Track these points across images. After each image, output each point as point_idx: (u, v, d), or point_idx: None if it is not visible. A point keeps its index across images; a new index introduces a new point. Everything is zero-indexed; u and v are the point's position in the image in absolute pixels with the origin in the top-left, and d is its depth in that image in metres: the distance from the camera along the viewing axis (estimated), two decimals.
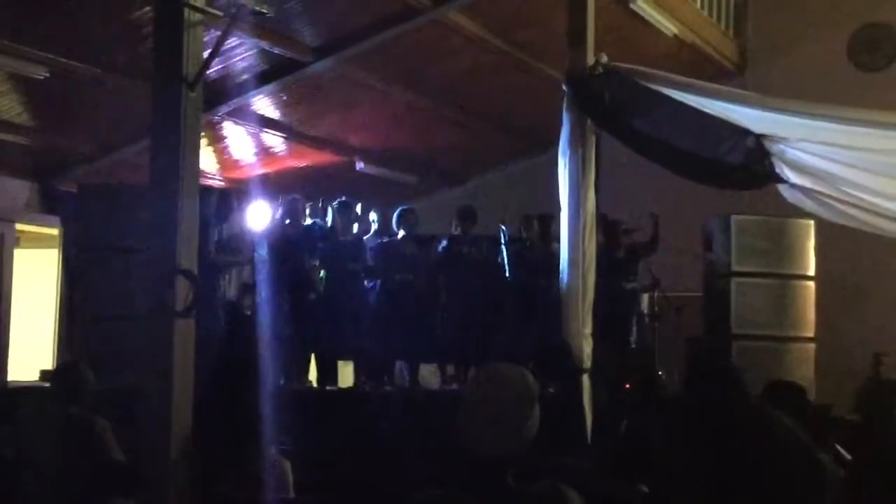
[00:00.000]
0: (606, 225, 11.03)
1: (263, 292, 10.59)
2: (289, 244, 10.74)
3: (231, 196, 11.06)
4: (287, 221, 10.91)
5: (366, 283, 11.09)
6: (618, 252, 11.09)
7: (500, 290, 10.93)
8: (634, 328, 11.19)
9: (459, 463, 3.09)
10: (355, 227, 11.19)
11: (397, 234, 11.08)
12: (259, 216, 11.80)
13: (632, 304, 11.21)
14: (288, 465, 7.12)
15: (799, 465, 2.81)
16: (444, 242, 11.10)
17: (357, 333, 10.85)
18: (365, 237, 11.23)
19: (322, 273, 11.05)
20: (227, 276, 10.45)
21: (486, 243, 11.06)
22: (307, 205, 11.19)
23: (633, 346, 11.12)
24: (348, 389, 10.98)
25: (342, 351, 11.19)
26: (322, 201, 11.17)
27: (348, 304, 10.85)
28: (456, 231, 11.18)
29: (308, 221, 11.15)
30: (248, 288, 10.86)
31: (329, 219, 10.93)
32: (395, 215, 11.16)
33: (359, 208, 11.24)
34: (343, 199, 11.12)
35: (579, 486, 3.16)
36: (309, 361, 11.01)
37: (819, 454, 3.13)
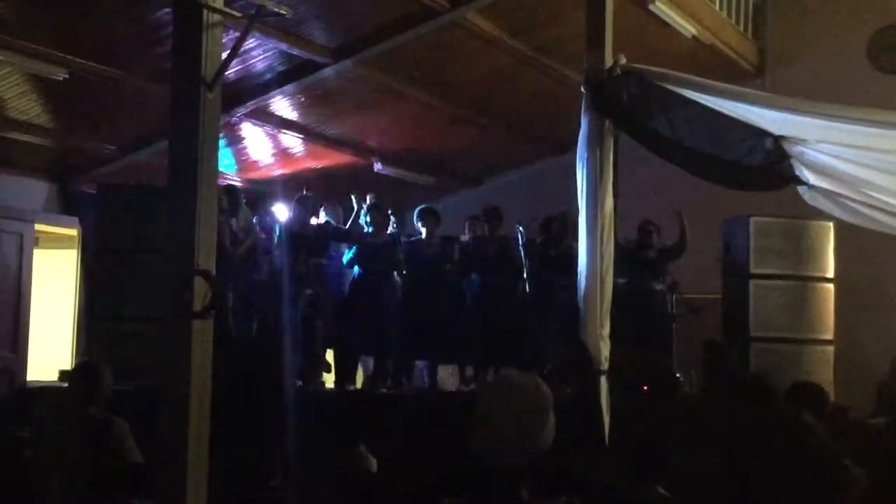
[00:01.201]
0: (639, 226, 11.04)
1: (277, 290, 10.63)
2: (301, 242, 10.77)
3: (238, 191, 11.10)
4: (299, 219, 10.94)
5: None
6: (649, 253, 11.10)
7: (520, 291, 10.94)
8: (671, 328, 11.17)
9: (473, 473, 3.06)
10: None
11: (420, 232, 11.13)
12: (274, 214, 11.86)
13: (662, 304, 11.19)
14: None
15: (825, 469, 2.79)
16: (469, 243, 11.14)
17: (379, 334, 10.87)
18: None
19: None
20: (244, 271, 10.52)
21: (510, 244, 11.07)
22: (320, 203, 11.23)
23: (657, 346, 11.09)
24: (362, 390, 11.00)
25: (362, 351, 11.22)
26: (351, 199, 11.22)
27: (375, 305, 10.88)
28: (482, 232, 11.20)
29: (322, 220, 11.20)
30: (263, 285, 10.90)
31: (364, 219, 10.99)
32: (415, 213, 11.20)
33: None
34: (374, 200, 11.17)
35: (598, 497, 3.13)
36: (323, 360, 11.04)
37: (844, 460, 3.12)
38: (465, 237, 11.45)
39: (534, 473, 3.02)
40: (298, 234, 10.78)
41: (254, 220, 11.29)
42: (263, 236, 11.21)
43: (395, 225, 11.16)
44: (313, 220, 11.18)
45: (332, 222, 11.24)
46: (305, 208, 11.02)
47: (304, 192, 11.28)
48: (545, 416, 3.02)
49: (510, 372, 3.15)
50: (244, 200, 11.07)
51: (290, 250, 10.64)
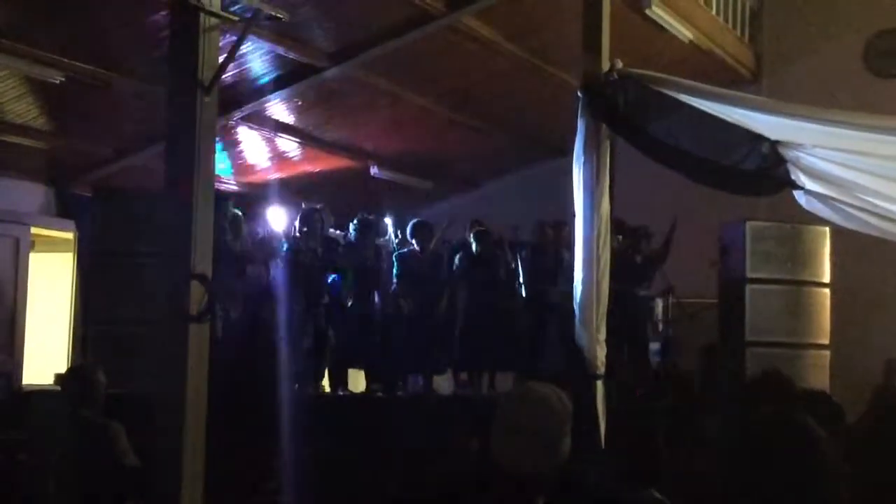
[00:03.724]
0: (627, 231, 11.03)
1: (280, 300, 10.62)
2: (306, 254, 10.76)
3: (238, 219, 10.98)
4: (305, 231, 10.91)
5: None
6: (636, 258, 11.09)
7: (514, 296, 10.95)
8: (649, 334, 11.19)
9: (491, 482, 3.07)
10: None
11: (411, 244, 11.12)
12: (275, 223, 11.82)
13: (644, 310, 11.19)
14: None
15: (825, 480, 2.78)
16: (460, 255, 11.16)
17: (373, 342, 10.88)
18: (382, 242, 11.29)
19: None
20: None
21: (501, 252, 11.08)
22: (327, 216, 11.21)
23: (647, 352, 11.11)
24: (362, 395, 11.00)
25: (357, 358, 11.21)
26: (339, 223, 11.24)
27: (369, 314, 10.90)
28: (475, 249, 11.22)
29: (329, 232, 11.18)
30: (266, 295, 10.87)
31: (352, 235, 11.00)
32: (409, 228, 11.19)
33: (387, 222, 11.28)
34: (363, 216, 11.16)
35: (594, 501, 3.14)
36: (323, 368, 11.04)
37: (838, 463, 3.10)
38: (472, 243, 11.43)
39: (551, 483, 3.04)
40: (304, 248, 10.78)
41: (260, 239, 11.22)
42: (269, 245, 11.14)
43: (392, 229, 11.18)
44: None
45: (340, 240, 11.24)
46: (314, 220, 10.97)
47: (311, 206, 11.21)
48: (566, 427, 3.06)
49: (532, 383, 3.18)
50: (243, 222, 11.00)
51: (297, 263, 10.64)
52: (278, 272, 10.70)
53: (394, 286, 11.04)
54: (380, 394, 10.87)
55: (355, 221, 11.08)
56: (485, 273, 11.03)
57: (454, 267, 11.15)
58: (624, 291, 10.79)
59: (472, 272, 11.07)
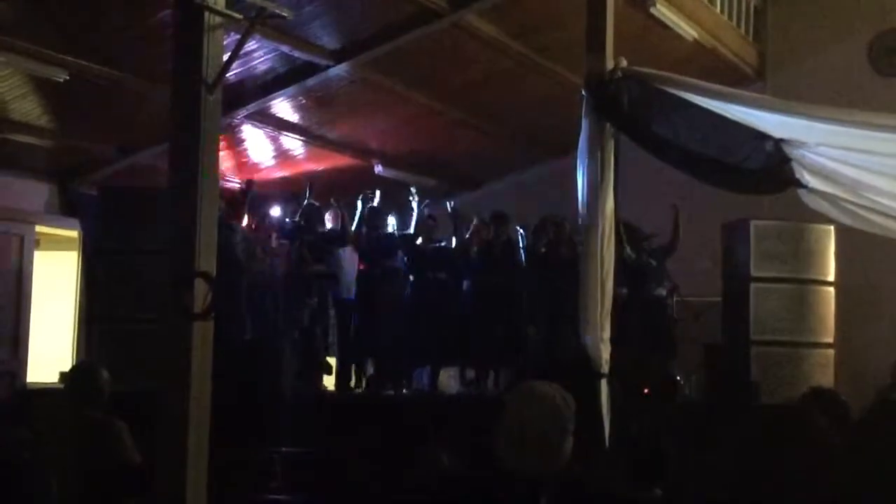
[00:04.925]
0: (627, 232, 11.03)
1: (282, 295, 10.63)
2: (306, 248, 10.79)
3: (237, 200, 11.05)
4: (303, 225, 10.95)
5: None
6: (650, 261, 11.08)
7: (519, 294, 10.96)
8: (673, 334, 11.17)
9: (493, 482, 3.06)
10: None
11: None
12: (274, 218, 11.86)
13: (663, 310, 11.17)
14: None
15: (831, 466, 2.78)
16: (476, 248, 11.21)
17: (382, 335, 10.91)
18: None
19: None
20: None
21: (515, 247, 11.14)
22: (322, 209, 11.26)
23: (659, 351, 11.08)
24: (366, 393, 11.00)
25: (364, 353, 11.23)
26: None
27: (381, 304, 10.93)
28: (487, 235, 11.25)
29: (328, 226, 11.23)
30: (267, 291, 10.90)
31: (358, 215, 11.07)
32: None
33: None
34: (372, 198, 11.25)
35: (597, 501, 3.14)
36: (317, 363, 11.06)
37: (845, 457, 3.11)
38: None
39: (554, 482, 3.04)
40: (303, 241, 10.81)
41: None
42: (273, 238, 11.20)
43: (395, 226, 11.23)
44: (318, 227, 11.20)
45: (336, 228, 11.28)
46: (310, 215, 11.02)
47: (309, 201, 11.26)
48: (569, 427, 3.05)
49: (534, 382, 3.17)
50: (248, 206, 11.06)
51: (294, 258, 10.67)
52: (278, 267, 10.75)
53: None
54: (391, 392, 10.88)
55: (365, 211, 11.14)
56: (501, 254, 11.08)
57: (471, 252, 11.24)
58: (640, 293, 10.81)
59: (489, 253, 11.12)
